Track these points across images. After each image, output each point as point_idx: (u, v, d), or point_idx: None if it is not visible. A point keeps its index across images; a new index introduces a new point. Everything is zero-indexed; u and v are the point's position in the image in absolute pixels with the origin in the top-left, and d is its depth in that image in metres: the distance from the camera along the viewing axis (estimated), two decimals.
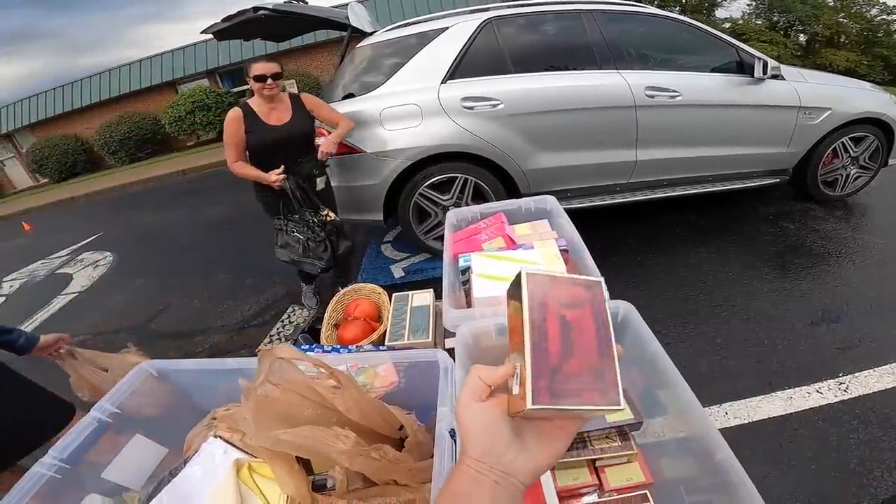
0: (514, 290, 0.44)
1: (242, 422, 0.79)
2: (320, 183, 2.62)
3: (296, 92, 2.56)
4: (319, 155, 2.44)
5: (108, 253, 5.76)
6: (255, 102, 2.36)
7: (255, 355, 1.20)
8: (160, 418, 1.02)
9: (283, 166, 2.41)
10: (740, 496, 0.53)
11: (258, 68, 2.25)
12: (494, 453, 0.41)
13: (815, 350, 2.12)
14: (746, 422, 1.79)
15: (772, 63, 2.98)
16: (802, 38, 17.95)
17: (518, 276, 0.44)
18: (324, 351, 1.12)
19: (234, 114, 2.33)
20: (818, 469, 1.58)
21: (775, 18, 18.14)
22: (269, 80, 2.27)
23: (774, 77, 3.02)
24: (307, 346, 1.20)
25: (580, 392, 0.38)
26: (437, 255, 3.19)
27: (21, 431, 1.58)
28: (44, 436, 1.64)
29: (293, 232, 2.50)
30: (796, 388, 1.91)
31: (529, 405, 0.37)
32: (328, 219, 2.52)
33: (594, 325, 0.42)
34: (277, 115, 2.40)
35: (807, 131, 3.18)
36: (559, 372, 0.39)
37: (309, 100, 2.52)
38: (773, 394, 1.90)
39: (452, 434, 0.66)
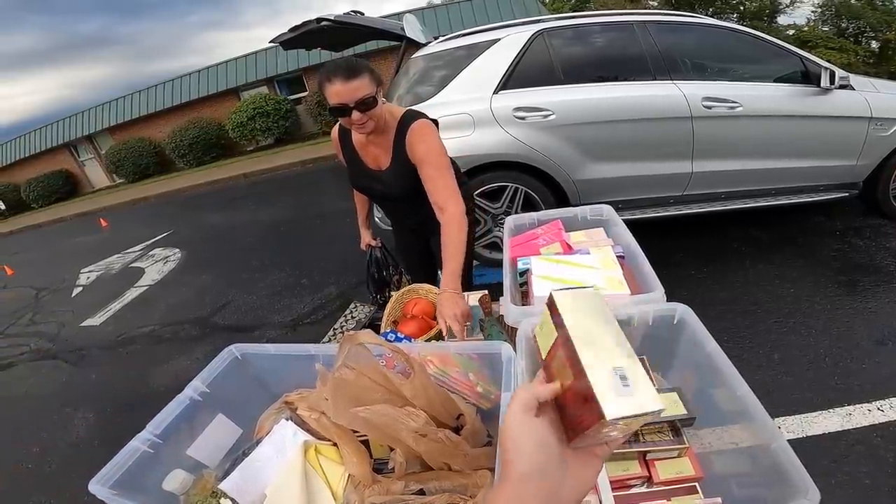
0: (550, 318, 0.45)
1: (323, 402, 0.86)
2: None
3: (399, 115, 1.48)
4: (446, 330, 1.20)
5: (177, 250, 6.13)
6: None
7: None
8: (237, 400, 1.07)
9: (376, 238, 1.98)
10: (794, 483, 0.52)
11: (334, 94, 1.28)
12: (546, 472, 0.38)
13: (880, 368, 2.02)
14: (800, 436, 1.75)
15: (840, 73, 2.85)
16: (875, 45, 16.75)
17: (550, 298, 0.45)
18: (390, 340, 1.20)
19: (333, 133, 1.65)
20: (872, 484, 1.54)
21: (843, 25, 17.05)
22: (356, 114, 1.30)
23: (843, 87, 2.89)
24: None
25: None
26: (485, 263, 3.23)
27: None
28: None
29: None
30: (856, 405, 1.84)
31: (610, 415, 0.35)
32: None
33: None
34: (374, 153, 1.55)
35: (878, 143, 3.01)
36: None
37: (417, 143, 1.44)
38: (830, 409, 1.84)
39: None
